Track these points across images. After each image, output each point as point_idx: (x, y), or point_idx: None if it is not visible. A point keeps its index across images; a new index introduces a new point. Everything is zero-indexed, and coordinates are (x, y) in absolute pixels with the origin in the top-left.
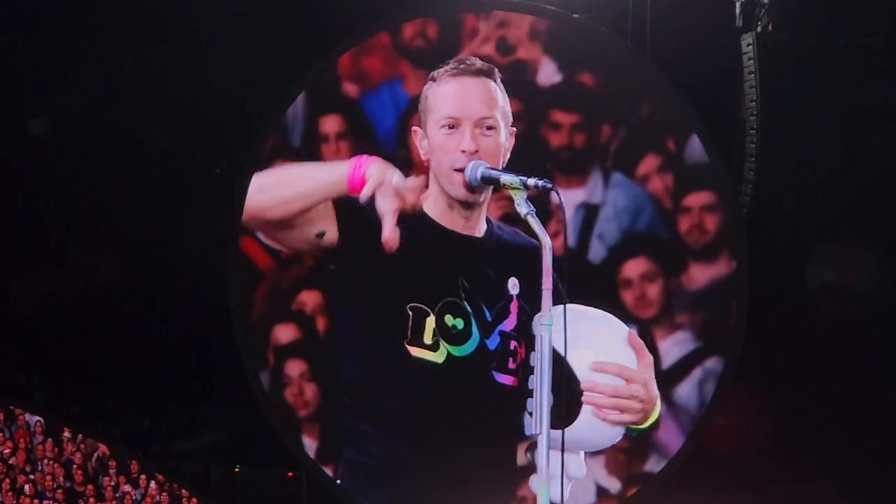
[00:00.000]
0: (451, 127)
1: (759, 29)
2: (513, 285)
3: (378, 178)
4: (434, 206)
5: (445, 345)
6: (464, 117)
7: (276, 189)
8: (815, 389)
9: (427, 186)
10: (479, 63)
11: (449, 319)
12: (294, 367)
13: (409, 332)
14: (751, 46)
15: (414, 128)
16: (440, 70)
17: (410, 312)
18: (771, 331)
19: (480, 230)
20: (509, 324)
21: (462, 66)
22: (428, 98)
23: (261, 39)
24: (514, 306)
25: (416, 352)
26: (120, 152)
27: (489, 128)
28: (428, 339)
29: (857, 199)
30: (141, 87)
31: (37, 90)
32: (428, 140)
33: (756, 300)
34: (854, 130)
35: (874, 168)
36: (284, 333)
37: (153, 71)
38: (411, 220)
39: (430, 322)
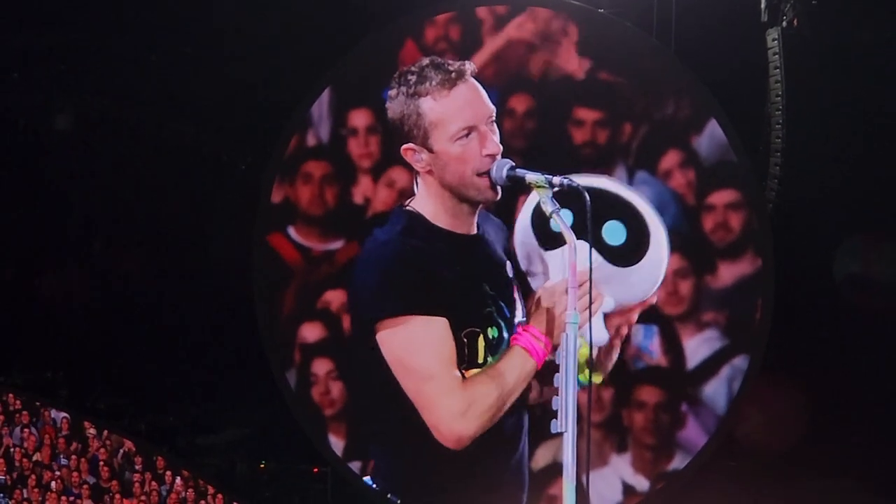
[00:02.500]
0: (468, 135)
1: (784, 24)
2: (510, 269)
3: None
4: (441, 213)
5: (490, 357)
6: (478, 122)
7: (485, 415)
8: (841, 384)
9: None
10: (458, 65)
11: (490, 332)
12: (321, 366)
13: (465, 358)
14: (776, 42)
15: (406, 146)
16: (427, 85)
17: (465, 339)
18: (797, 325)
19: (475, 225)
20: (519, 312)
21: (453, 75)
22: (425, 115)
23: (286, 34)
24: (516, 292)
25: (470, 374)
26: (144, 147)
27: (492, 122)
28: (480, 359)
29: (883, 192)
30: (165, 82)
31: (61, 85)
32: (434, 154)
33: (783, 295)
34: (880, 125)
35: None
36: (311, 332)
37: (177, 66)
38: (424, 231)
39: (482, 342)
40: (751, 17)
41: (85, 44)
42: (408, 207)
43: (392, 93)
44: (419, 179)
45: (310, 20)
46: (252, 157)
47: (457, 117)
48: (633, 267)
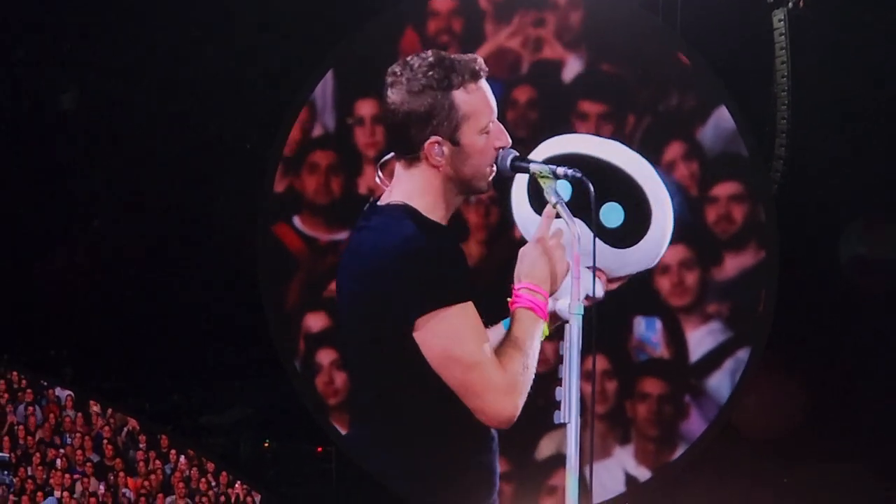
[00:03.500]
0: (490, 127)
1: (790, 5)
2: None
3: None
4: (439, 207)
5: None
6: (495, 117)
7: (525, 387)
8: (844, 368)
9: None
10: (478, 58)
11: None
12: (325, 356)
13: None
14: (782, 22)
15: (433, 139)
16: (459, 77)
17: None
18: (802, 307)
19: None
20: None
21: (477, 69)
22: (458, 107)
23: (292, 16)
24: None
25: None
26: (149, 127)
27: None
28: None
29: (889, 173)
30: (171, 62)
31: (67, 65)
32: (458, 147)
33: (787, 275)
34: (886, 106)
35: None
36: (315, 321)
37: (183, 47)
38: (428, 226)
39: None
40: None
41: (91, 25)
42: (397, 202)
43: (413, 86)
44: (412, 172)
45: (316, 2)
46: (257, 136)
47: (486, 109)
48: (632, 248)
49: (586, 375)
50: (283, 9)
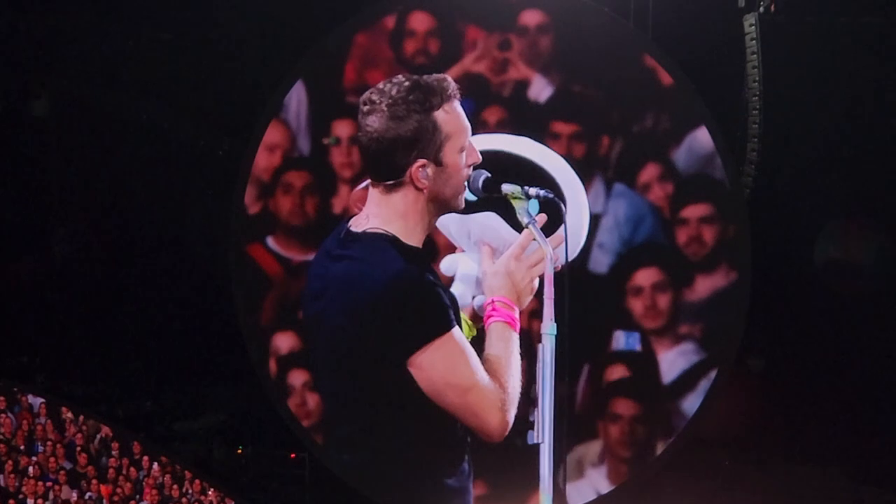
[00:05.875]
0: (466, 147)
1: (761, 9)
2: None
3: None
4: (418, 231)
5: None
6: (470, 135)
7: (516, 399)
8: (817, 370)
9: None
10: (444, 79)
11: None
12: (297, 377)
13: None
14: (753, 27)
15: (421, 162)
16: (437, 99)
17: None
18: (774, 310)
19: None
20: None
21: (453, 91)
22: (441, 127)
23: (266, 21)
24: None
25: None
26: (121, 133)
27: None
28: None
29: (861, 177)
30: (143, 68)
31: (38, 71)
32: (441, 168)
33: (758, 279)
34: (857, 109)
35: (878, 146)
36: (284, 341)
37: (155, 52)
38: (412, 254)
39: None
40: (728, 3)
41: (62, 29)
42: (377, 230)
43: (397, 112)
44: (392, 197)
45: (291, 7)
46: (230, 143)
47: (463, 127)
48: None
49: (559, 395)
50: (257, 12)
